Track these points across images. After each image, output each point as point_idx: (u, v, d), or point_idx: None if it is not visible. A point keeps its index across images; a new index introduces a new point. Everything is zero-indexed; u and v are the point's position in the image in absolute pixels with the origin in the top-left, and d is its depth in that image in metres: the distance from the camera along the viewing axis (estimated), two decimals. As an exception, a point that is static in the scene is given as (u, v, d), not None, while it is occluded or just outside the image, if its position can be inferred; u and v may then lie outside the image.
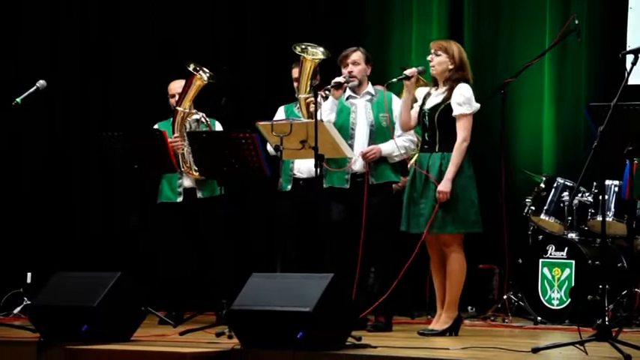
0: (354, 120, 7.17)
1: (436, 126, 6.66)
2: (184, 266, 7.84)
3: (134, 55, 9.49)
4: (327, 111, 7.10)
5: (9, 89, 8.14)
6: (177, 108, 7.73)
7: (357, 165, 7.11)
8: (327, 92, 7.18)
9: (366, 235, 6.97)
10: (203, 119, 7.78)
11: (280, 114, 7.73)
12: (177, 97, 7.83)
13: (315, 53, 7.27)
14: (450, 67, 6.71)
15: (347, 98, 7.21)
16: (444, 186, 6.55)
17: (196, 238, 7.86)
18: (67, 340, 5.96)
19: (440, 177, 6.60)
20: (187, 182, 7.84)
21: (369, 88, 7.22)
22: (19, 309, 8.30)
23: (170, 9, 9.61)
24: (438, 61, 6.71)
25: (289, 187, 7.65)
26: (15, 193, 9.25)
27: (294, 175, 7.65)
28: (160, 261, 8.17)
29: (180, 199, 7.83)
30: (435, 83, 6.80)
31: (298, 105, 7.56)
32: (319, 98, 7.22)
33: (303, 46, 7.28)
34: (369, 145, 7.10)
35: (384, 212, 7.04)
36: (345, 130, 7.12)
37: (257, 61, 9.62)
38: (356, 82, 7.16)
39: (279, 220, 7.70)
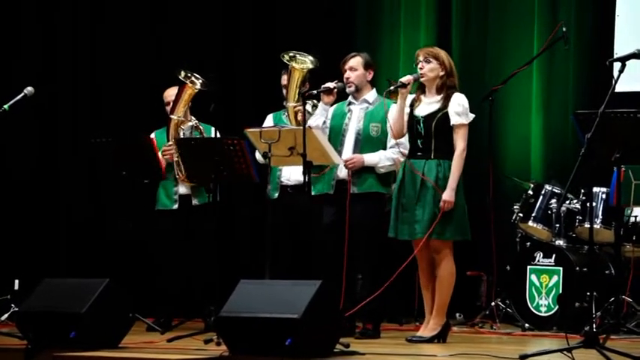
0: (346, 127, 7.16)
1: (432, 134, 6.66)
2: (179, 273, 7.85)
3: (124, 62, 9.48)
4: (317, 116, 7.10)
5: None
6: (171, 116, 7.75)
7: (343, 172, 7.09)
8: (314, 100, 7.17)
9: (350, 243, 6.96)
10: (196, 125, 7.78)
11: (268, 121, 7.73)
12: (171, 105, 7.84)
13: (304, 62, 7.27)
14: (441, 73, 6.71)
15: (348, 104, 7.20)
16: (449, 195, 6.56)
17: (190, 245, 7.87)
18: (55, 346, 5.94)
19: (436, 183, 6.60)
20: (183, 189, 7.86)
21: (368, 95, 7.17)
22: (6, 316, 8.27)
23: (162, 15, 9.61)
24: (430, 68, 6.71)
25: (276, 194, 7.65)
26: (3, 199, 9.23)
27: (282, 182, 7.65)
28: (155, 268, 8.16)
29: (175, 206, 7.86)
30: (422, 90, 6.80)
31: (287, 113, 7.56)
32: (309, 106, 7.22)
33: (292, 54, 7.28)
34: (354, 153, 7.08)
35: (365, 221, 7.01)
36: (337, 135, 7.11)
37: (246, 67, 9.63)
38: (352, 89, 7.14)
39: (268, 227, 7.70)
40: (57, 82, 9.36)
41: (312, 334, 5.53)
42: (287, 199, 7.60)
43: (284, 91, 7.59)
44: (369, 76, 7.18)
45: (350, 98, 7.20)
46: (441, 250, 6.67)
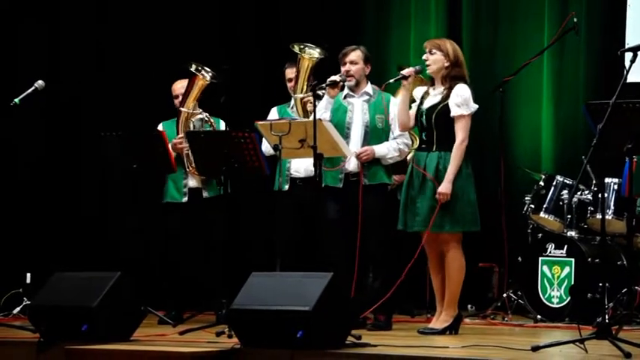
0: (350, 120, 7.16)
1: (433, 126, 6.66)
2: (189, 266, 7.85)
3: (132, 55, 9.48)
4: (322, 109, 7.10)
5: (6, 89, 8.17)
6: (181, 109, 7.75)
7: (351, 165, 7.10)
8: (322, 91, 7.18)
9: (361, 234, 6.96)
10: (207, 119, 7.78)
11: (273, 114, 7.72)
12: (180, 98, 7.84)
13: (312, 54, 7.28)
14: (446, 64, 6.71)
15: (344, 97, 7.21)
16: (445, 187, 6.56)
17: (201, 238, 7.87)
18: (67, 340, 5.96)
19: (437, 176, 6.60)
20: (192, 182, 7.86)
21: (368, 87, 7.21)
22: (18, 309, 8.30)
23: (167, 8, 9.60)
24: (434, 60, 6.71)
25: (287, 186, 7.65)
26: (14, 193, 9.24)
27: (292, 175, 7.64)
28: (164, 261, 8.17)
29: (185, 199, 7.86)
30: (432, 82, 6.80)
31: (292, 105, 7.57)
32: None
33: (302, 46, 7.29)
34: (362, 145, 7.09)
35: (377, 212, 7.03)
36: (341, 129, 7.10)
37: (255, 60, 9.62)
38: (353, 82, 7.15)
39: (279, 219, 7.70)
40: (61, 77, 9.35)
41: (324, 326, 5.53)
42: (297, 191, 7.59)
43: (289, 85, 7.61)
44: (367, 71, 7.21)
45: (347, 91, 7.20)
46: (449, 242, 6.67)
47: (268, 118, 7.61)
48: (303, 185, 7.53)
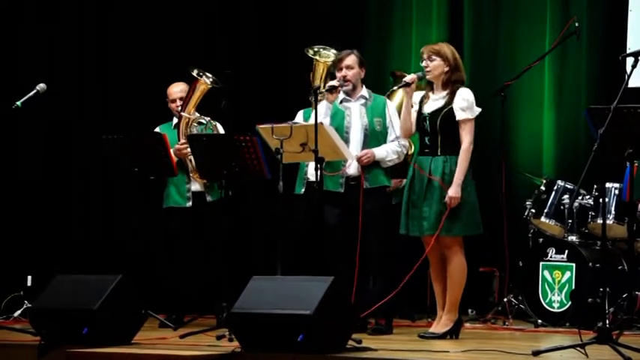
0: (349, 124, 7.18)
1: (438, 130, 6.66)
2: (190, 269, 7.84)
3: (132, 58, 9.48)
4: (322, 115, 7.10)
5: (6, 89, 8.17)
6: (183, 114, 7.74)
7: (352, 169, 7.11)
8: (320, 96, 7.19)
9: (363, 238, 6.97)
10: (210, 124, 7.76)
11: (299, 118, 7.71)
12: (177, 102, 7.84)
13: (328, 55, 7.30)
14: (446, 69, 6.72)
15: (341, 102, 7.21)
16: (455, 191, 6.56)
17: (202, 241, 7.87)
18: (68, 343, 5.96)
19: (443, 180, 6.60)
20: (195, 187, 7.85)
21: (364, 91, 7.22)
22: (19, 312, 8.30)
23: (167, 10, 9.61)
24: (434, 66, 6.71)
25: (302, 190, 7.64)
26: (15, 195, 9.24)
27: (308, 178, 7.64)
28: (165, 265, 8.16)
29: (189, 203, 7.84)
30: (430, 87, 6.80)
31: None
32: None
33: (316, 49, 7.31)
34: (362, 149, 7.10)
35: (379, 216, 7.05)
36: (340, 133, 7.10)
37: (255, 64, 9.62)
38: (350, 87, 7.16)
39: (292, 222, 7.66)
40: (61, 78, 9.35)
41: (325, 330, 5.53)
42: (312, 195, 7.57)
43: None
44: (362, 74, 7.23)
45: (343, 96, 7.20)
46: (451, 246, 6.67)
47: (295, 120, 7.61)
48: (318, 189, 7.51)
